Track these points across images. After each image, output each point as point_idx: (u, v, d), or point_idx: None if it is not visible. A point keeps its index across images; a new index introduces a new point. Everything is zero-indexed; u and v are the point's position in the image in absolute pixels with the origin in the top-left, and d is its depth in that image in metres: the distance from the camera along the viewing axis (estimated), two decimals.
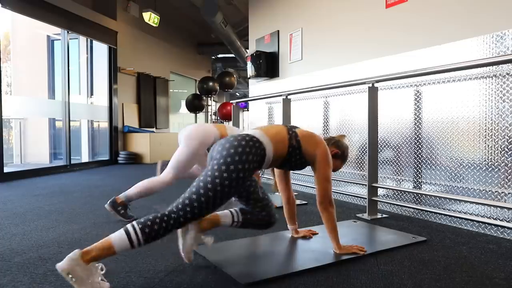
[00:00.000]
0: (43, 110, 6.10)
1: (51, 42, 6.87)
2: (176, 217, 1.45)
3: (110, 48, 6.87)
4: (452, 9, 2.54)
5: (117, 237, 1.41)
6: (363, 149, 3.21)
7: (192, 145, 2.48)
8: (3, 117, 4.54)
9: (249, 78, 4.90)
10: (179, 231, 1.67)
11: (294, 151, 1.74)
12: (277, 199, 3.28)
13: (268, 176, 4.09)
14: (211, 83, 9.57)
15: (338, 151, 1.96)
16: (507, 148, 2.17)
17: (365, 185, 2.82)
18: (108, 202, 2.52)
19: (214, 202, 1.48)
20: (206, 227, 1.77)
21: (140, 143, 7.15)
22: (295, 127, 1.83)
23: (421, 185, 2.70)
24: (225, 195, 1.49)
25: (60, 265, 1.33)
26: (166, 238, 2.11)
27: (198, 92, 10.01)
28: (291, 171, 2.10)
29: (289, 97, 3.78)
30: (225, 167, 1.49)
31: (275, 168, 2.04)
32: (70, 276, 1.33)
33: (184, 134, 2.53)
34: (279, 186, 2.07)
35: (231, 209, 1.81)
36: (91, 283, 1.36)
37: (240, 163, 1.50)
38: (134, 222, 1.44)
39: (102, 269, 1.41)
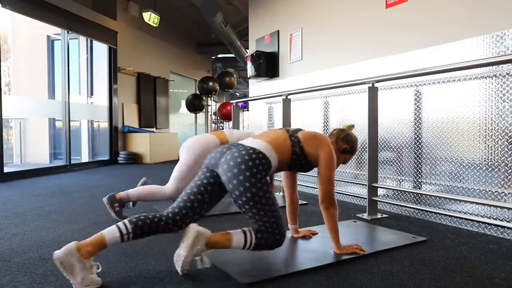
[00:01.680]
0: (43, 110, 6.09)
1: (51, 42, 6.87)
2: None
3: (110, 48, 6.87)
4: (452, 9, 2.54)
5: (109, 230, 1.51)
6: (363, 149, 3.21)
7: (192, 156, 2.54)
8: (3, 117, 4.54)
9: (249, 78, 4.90)
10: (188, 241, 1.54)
11: (298, 158, 1.77)
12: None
13: None
14: (211, 83, 9.57)
15: (347, 146, 1.97)
16: (507, 148, 2.17)
17: (365, 185, 2.82)
18: (107, 196, 2.53)
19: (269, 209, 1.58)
20: (214, 245, 1.59)
21: (140, 143, 7.16)
22: (297, 131, 1.84)
23: (421, 185, 2.70)
24: (270, 199, 1.59)
25: (56, 253, 1.39)
26: (168, 239, 2.11)
27: (198, 92, 10.01)
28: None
29: (289, 97, 3.78)
30: (248, 184, 1.55)
31: None
32: (63, 265, 1.38)
33: (186, 146, 2.59)
34: (284, 184, 2.09)
35: (244, 229, 1.61)
36: (82, 276, 1.40)
37: (253, 178, 1.56)
38: (126, 220, 1.55)
39: (98, 268, 1.46)
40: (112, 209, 2.50)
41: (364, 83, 2.82)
